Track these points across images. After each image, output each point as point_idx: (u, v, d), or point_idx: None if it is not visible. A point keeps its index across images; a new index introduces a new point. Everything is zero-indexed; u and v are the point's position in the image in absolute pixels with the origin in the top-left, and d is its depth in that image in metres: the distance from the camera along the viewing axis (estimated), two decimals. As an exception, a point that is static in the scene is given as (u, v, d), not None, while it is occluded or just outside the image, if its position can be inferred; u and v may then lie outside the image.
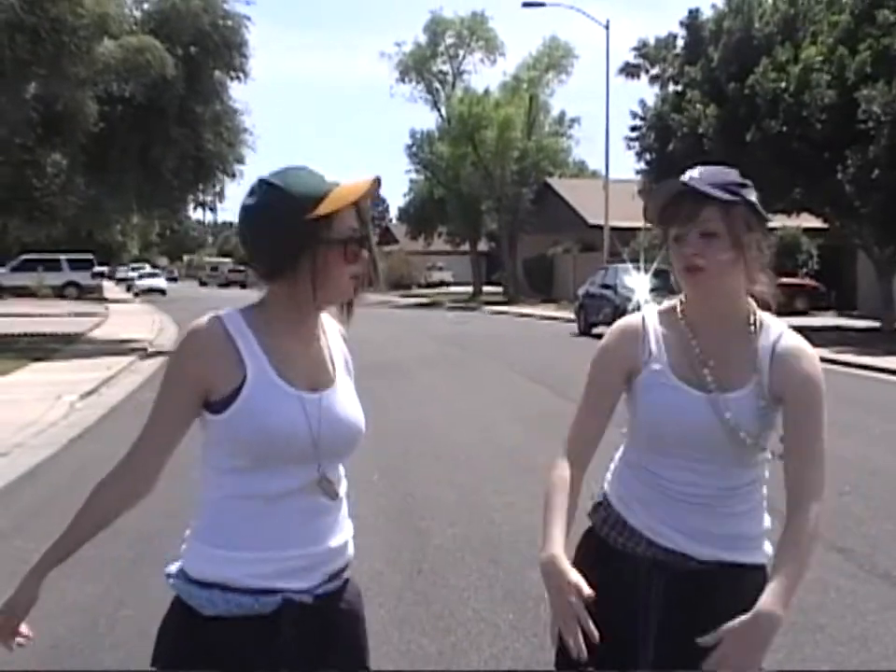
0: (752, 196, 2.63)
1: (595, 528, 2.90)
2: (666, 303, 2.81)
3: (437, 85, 62.41)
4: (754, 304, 2.69)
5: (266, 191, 2.45)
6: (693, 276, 2.61)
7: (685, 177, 2.63)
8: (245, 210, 2.47)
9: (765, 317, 2.69)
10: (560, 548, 2.59)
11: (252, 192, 2.47)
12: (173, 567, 2.52)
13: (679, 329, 2.72)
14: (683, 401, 2.65)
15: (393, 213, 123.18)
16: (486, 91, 58.91)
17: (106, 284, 65.04)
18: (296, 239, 2.40)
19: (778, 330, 2.67)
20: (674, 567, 2.71)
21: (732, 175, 2.65)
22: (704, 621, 2.52)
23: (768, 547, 2.73)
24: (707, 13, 32.34)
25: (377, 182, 2.52)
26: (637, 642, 2.70)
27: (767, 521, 2.76)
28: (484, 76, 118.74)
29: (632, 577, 2.75)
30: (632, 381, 2.73)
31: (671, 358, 2.70)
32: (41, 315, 35.33)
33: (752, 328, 2.66)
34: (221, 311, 2.49)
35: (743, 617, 2.36)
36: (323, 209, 2.41)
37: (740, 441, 2.62)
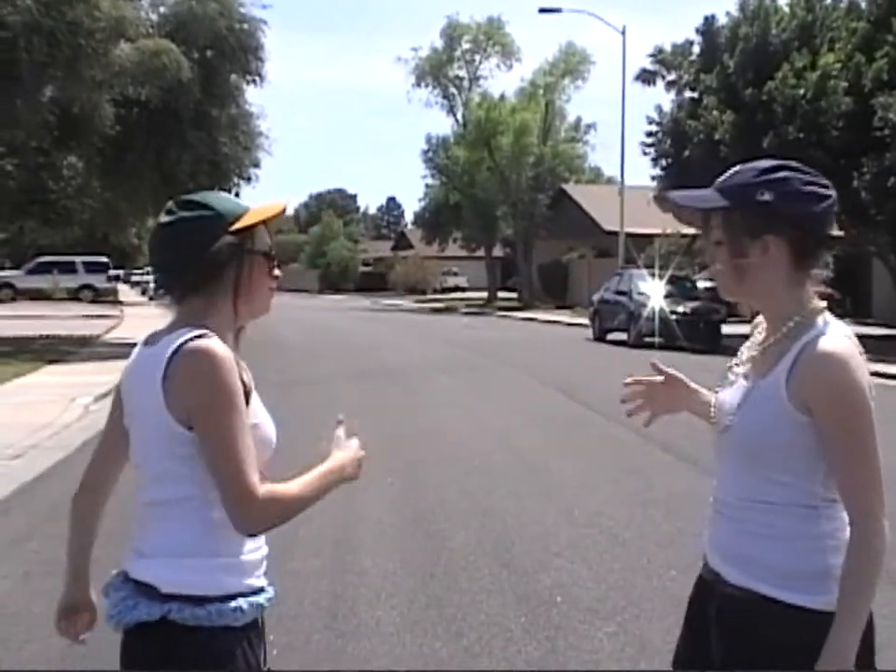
0: (767, 195, 2.46)
1: None
2: None
3: (453, 90, 62.35)
4: (812, 305, 2.54)
5: (190, 208, 2.55)
6: (715, 283, 2.61)
7: (675, 195, 2.62)
8: (167, 225, 2.54)
9: (816, 319, 2.51)
10: None
11: (171, 211, 2.55)
12: (151, 610, 2.42)
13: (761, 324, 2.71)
14: (729, 394, 2.64)
15: (408, 217, 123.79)
16: (502, 97, 58.96)
17: (121, 287, 65.18)
18: (224, 247, 2.50)
19: (817, 333, 2.46)
20: (718, 589, 2.59)
21: (752, 171, 2.53)
22: (750, 656, 2.46)
23: (831, 590, 2.42)
24: (722, 20, 32.30)
25: (284, 209, 2.68)
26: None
27: (829, 560, 2.45)
28: (500, 81, 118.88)
29: (698, 599, 2.72)
30: None
31: (744, 353, 2.70)
32: (56, 318, 35.41)
33: (787, 326, 2.51)
34: (203, 331, 2.45)
35: None
36: (245, 222, 2.54)
37: (732, 436, 2.55)
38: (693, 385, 2.94)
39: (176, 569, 2.44)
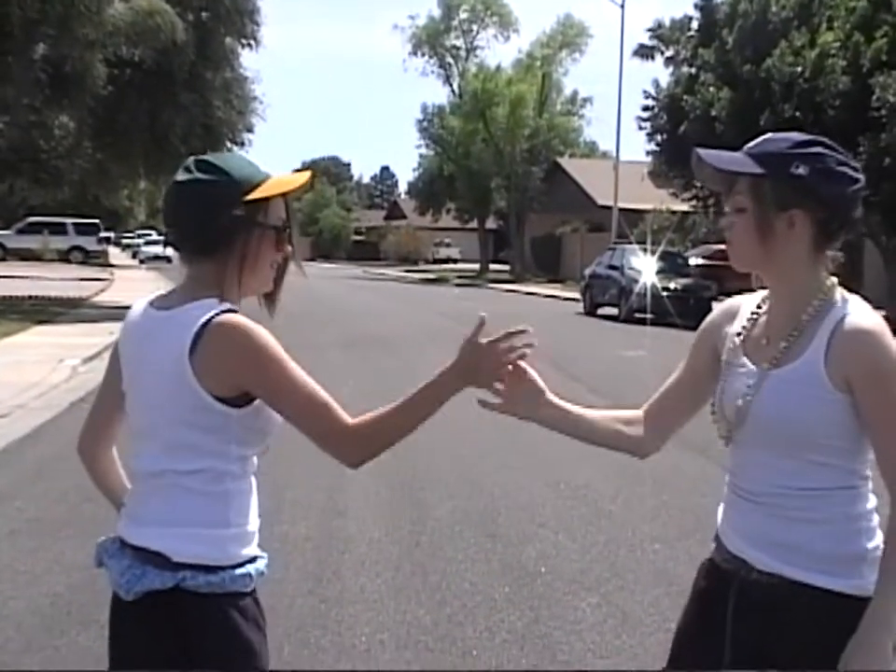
0: (801, 169, 2.38)
1: None
2: None
3: (450, 60, 62.18)
4: (829, 283, 2.46)
5: (206, 170, 2.48)
6: (728, 251, 2.50)
7: (703, 152, 2.48)
8: (182, 185, 2.48)
9: (841, 296, 2.44)
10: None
11: (188, 170, 2.50)
12: (163, 579, 2.39)
13: (764, 305, 2.60)
14: (738, 380, 2.52)
15: (402, 188, 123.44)
16: (499, 68, 58.75)
17: (112, 250, 64.91)
18: (234, 217, 2.45)
19: (846, 309, 2.39)
20: (740, 575, 2.50)
21: (786, 142, 2.45)
22: (772, 644, 2.42)
23: (863, 574, 2.39)
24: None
25: (311, 180, 2.62)
26: (716, 657, 2.53)
27: (864, 543, 2.42)
28: (497, 52, 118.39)
29: (712, 586, 2.61)
30: (720, 361, 2.62)
31: (748, 336, 2.57)
32: (46, 279, 35.29)
33: (812, 306, 2.42)
34: (228, 305, 2.43)
35: (847, 650, 2.30)
36: (260, 193, 2.48)
37: (760, 423, 2.44)
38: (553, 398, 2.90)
39: (188, 540, 2.42)
